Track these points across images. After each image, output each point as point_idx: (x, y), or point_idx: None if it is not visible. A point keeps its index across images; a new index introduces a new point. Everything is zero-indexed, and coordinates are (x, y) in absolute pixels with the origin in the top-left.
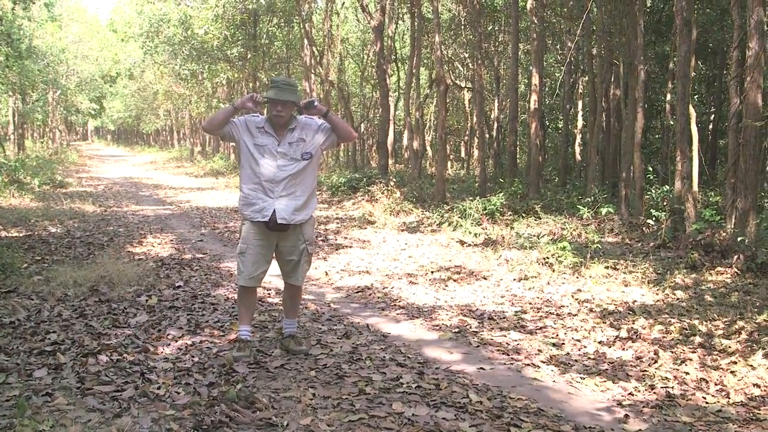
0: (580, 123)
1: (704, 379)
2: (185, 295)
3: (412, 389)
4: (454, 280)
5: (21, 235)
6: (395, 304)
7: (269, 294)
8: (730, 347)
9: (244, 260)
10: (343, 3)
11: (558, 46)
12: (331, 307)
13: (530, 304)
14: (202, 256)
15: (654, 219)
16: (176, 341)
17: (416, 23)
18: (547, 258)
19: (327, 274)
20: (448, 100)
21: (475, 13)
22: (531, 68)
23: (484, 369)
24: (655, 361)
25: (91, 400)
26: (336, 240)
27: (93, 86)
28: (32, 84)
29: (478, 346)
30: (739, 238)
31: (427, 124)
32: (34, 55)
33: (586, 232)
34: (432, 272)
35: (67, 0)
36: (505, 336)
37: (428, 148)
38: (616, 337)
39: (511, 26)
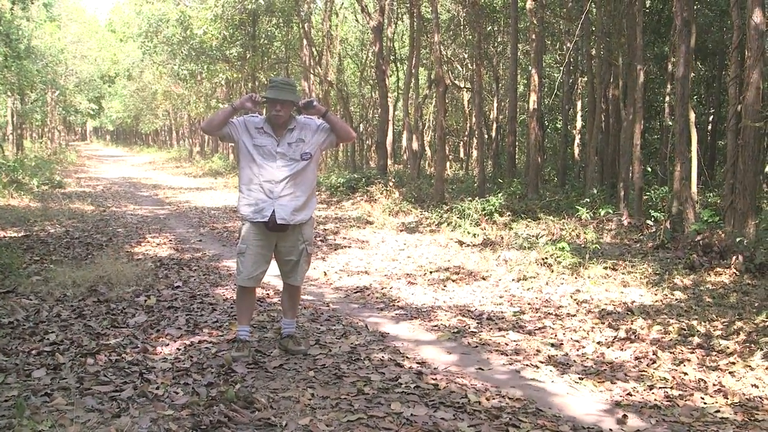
0: (579, 123)
1: (703, 380)
2: (184, 295)
3: (410, 389)
4: (453, 281)
5: (20, 235)
6: (394, 305)
7: (268, 294)
8: (728, 348)
9: (243, 260)
10: (342, 3)
11: (557, 47)
12: (329, 308)
13: (529, 304)
14: (200, 256)
15: (653, 220)
16: (175, 341)
17: (415, 23)
18: (546, 258)
19: (326, 274)
20: (447, 101)
21: (475, 13)
22: (530, 69)
23: (482, 369)
24: (654, 362)
25: (90, 401)
26: (335, 240)
27: (92, 86)
28: (31, 84)
29: (476, 347)
30: (737, 239)
31: (426, 124)
32: (32, 55)
33: (584, 233)
34: (431, 272)
35: (66, 0)
36: (504, 336)
37: (427, 148)
38: (615, 337)
39: (510, 26)
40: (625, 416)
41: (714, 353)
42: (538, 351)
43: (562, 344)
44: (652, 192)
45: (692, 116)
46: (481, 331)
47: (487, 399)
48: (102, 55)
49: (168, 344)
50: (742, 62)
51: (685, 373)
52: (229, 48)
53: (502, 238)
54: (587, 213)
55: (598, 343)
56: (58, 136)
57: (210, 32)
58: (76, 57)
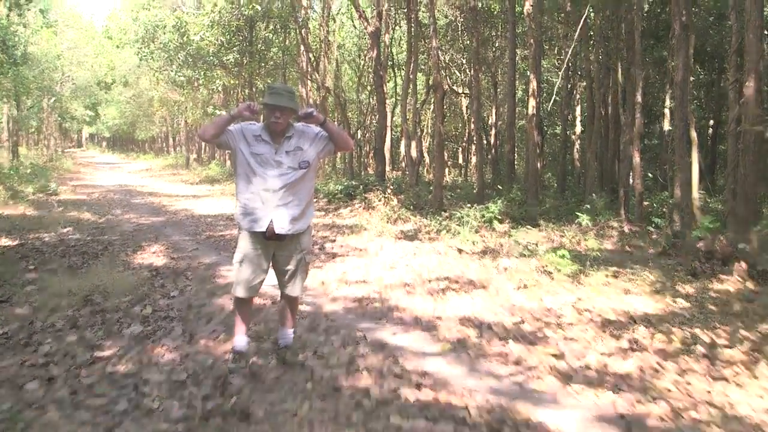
0: (578, 129)
1: (708, 390)
2: (180, 305)
3: (410, 402)
4: (453, 290)
5: (14, 243)
6: (393, 314)
7: (265, 304)
8: (733, 357)
9: (240, 270)
10: (339, 9)
11: (556, 52)
12: (327, 318)
13: (530, 313)
14: (197, 265)
15: (654, 226)
16: (171, 352)
17: (413, 29)
18: (546, 266)
19: (323, 283)
20: (445, 106)
21: (473, 18)
22: (528, 74)
23: (483, 380)
24: (657, 372)
25: (84, 414)
26: (333, 249)
27: (88, 93)
28: (27, 90)
29: (477, 358)
30: (739, 246)
31: (424, 130)
32: (29, 61)
33: (585, 240)
34: (430, 281)
35: (63, 6)
36: (505, 346)
37: (426, 154)
38: (617, 347)
39: (508, 31)
40: (629, 428)
41: (718, 362)
42: (540, 361)
43: (563, 354)
44: (653, 198)
45: (692, 120)
46: (482, 342)
47: (488, 411)
48: (98, 62)
49: (164, 355)
50: (741, 66)
51: (689, 383)
52: (226, 54)
53: (502, 245)
54: (587, 219)
55: (601, 353)
56: (53, 142)
57: (207, 38)
58: (72, 63)
